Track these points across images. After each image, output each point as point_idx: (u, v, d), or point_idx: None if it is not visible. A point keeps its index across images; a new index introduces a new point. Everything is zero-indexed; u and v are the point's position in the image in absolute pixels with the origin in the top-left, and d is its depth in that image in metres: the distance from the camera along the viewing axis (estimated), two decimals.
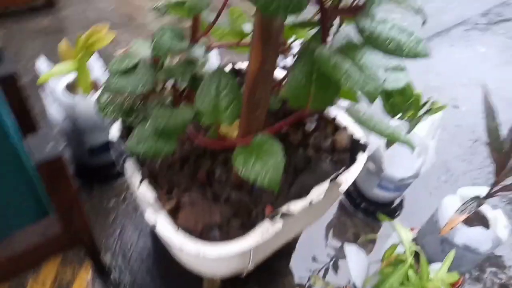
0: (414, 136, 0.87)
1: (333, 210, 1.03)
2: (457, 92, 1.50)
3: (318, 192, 0.61)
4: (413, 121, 0.82)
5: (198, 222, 0.57)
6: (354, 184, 1.02)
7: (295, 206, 0.59)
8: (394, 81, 0.59)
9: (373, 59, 0.44)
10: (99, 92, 0.89)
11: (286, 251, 0.92)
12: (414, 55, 0.45)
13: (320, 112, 0.73)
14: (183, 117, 0.55)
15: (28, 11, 1.58)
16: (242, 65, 0.86)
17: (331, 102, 0.51)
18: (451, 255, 0.63)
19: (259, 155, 0.50)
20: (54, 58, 1.39)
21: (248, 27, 0.67)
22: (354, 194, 1.01)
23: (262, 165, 0.49)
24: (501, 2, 2.12)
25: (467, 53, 1.72)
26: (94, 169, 1.01)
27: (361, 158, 0.68)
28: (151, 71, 0.61)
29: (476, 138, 1.32)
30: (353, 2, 0.46)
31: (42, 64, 0.89)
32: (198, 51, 0.60)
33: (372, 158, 0.91)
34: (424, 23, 0.40)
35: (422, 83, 1.52)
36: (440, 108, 0.79)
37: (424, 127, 0.90)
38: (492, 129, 0.72)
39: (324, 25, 0.47)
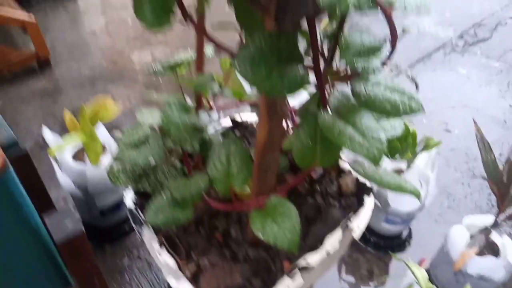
0: (415, 169, 0.90)
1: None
2: (446, 116, 1.55)
3: (332, 241, 0.63)
4: (412, 158, 0.86)
5: (220, 285, 0.58)
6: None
7: (313, 258, 0.60)
8: (392, 129, 0.62)
9: (372, 122, 0.47)
10: (108, 158, 0.92)
11: None
12: (410, 111, 0.48)
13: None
14: (197, 186, 0.57)
15: (23, 73, 1.62)
16: (241, 117, 0.89)
17: (337, 158, 0.54)
18: None
19: (275, 218, 0.52)
20: (51, 121, 1.42)
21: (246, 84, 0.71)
22: (364, 229, 1.03)
23: (279, 228, 0.51)
24: (474, 23, 2.23)
25: (449, 76, 1.79)
26: (105, 229, 1.01)
27: (369, 201, 0.70)
28: (160, 142, 0.63)
29: (471, 161, 1.36)
30: (347, 70, 0.50)
31: (47, 134, 0.92)
32: (204, 118, 0.63)
33: (378, 194, 0.93)
34: (417, 88, 0.44)
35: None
36: (435, 144, 0.83)
37: (423, 159, 0.93)
38: (489, 163, 0.75)
39: (322, 91, 0.50)
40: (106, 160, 0.90)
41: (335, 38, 0.48)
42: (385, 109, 0.48)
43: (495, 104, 1.64)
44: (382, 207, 0.93)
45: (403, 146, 0.75)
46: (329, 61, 0.53)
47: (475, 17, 2.29)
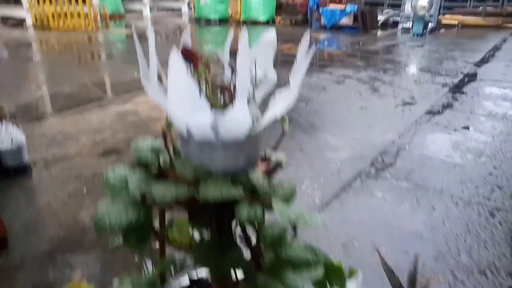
0: None
1: None
2: (374, 237, 1.81)
3: None
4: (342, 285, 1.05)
5: None
6: None
7: None
8: (314, 274, 0.83)
9: (292, 275, 0.68)
10: None
11: None
12: (316, 261, 0.70)
13: None
14: None
15: None
16: (197, 274, 1.05)
17: None
18: None
19: None
20: None
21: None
22: None
23: None
24: (380, 152, 2.73)
25: (369, 200, 2.13)
26: None
27: None
28: None
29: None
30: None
31: None
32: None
33: None
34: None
35: (317, 235, 1.82)
36: (354, 272, 1.04)
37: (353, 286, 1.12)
38: (396, 284, 0.96)
39: (256, 261, 0.72)
40: None
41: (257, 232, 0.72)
42: (300, 267, 0.70)
43: (411, 220, 1.95)
44: None
45: (331, 279, 0.95)
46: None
47: (380, 147, 2.80)
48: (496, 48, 7.42)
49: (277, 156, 0.84)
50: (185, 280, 1.05)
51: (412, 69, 5.80)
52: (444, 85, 4.63)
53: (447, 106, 3.83)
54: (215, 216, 0.65)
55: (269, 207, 0.66)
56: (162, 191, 0.60)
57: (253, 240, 0.70)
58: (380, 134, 3.05)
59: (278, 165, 0.87)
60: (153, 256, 0.85)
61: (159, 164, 0.74)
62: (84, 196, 2.13)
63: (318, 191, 2.20)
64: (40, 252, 1.69)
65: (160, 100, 0.69)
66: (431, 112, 3.62)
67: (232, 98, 0.74)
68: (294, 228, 0.72)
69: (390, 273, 0.99)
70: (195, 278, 1.05)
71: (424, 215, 2.01)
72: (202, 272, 1.06)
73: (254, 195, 0.67)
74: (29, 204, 2.07)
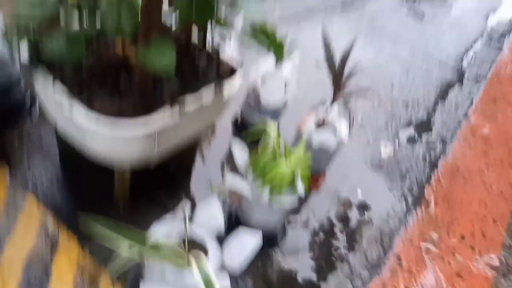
0: (282, 72, 1.12)
1: (227, 143, 1.23)
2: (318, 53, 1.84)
3: (207, 94, 0.79)
4: (279, 55, 1.07)
5: (108, 109, 0.70)
6: (242, 118, 1.23)
7: (190, 102, 0.76)
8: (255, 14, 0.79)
9: None
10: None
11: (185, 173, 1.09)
12: None
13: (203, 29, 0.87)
14: (90, 29, 0.68)
15: None
16: None
17: (208, 17, 0.70)
18: (303, 140, 0.88)
19: (157, 51, 0.66)
20: None
21: None
22: (242, 124, 1.23)
23: (160, 57, 0.65)
24: None
25: (329, 30, 2.09)
26: None
27: (238, 75, 0.88)
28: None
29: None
30: None
31: None
32: None
33: (252, 92, 1.14)
34: None
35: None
36: (292, 45, 1.04)
37: (287, 68, 1.16)
38: (329, 58, 1.00)
39: None
40: None
41: None
42: None
43: (359, 54, 1.97)
44: (256, 103, 1.14)
45: (271, 43, 0.93)
46: None
47: None
48: None
49: None
50: None
51: None
52: None
53: None
54: None
55: None
56: None
57: None
58: None
59: None
60: None
61: None
62: None
63: (278, 11, 2.11)
64: None
65: None
66: None
67: None
68: None
69: (327, 47, 1.01)
70: None
71: (373, 53, 2.06)
72: None
73: None
74: None
